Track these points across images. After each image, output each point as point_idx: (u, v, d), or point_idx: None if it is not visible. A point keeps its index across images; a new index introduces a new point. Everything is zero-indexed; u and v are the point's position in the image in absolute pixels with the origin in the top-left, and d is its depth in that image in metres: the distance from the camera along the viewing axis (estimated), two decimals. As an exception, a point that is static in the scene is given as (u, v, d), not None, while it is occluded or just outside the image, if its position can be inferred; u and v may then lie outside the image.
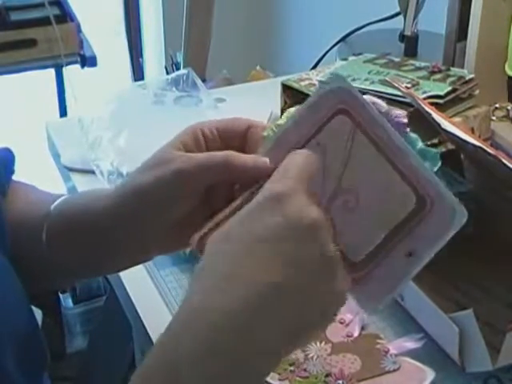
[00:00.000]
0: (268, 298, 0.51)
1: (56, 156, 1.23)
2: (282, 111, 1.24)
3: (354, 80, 1.16)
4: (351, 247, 0.57)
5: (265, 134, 0.63)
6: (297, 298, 0.52)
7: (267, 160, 0.60)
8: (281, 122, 0.63)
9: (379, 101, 0.64)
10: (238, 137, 0.65)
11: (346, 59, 1.27)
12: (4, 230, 0.69)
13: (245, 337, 0.51)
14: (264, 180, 0.59)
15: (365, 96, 0.60)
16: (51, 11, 1.97)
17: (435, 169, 0.66)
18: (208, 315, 0.51)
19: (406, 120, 0.65)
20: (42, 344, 0.68)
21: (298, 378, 0.81)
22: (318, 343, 0.85)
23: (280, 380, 0.81)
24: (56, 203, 0.69)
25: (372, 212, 0.57)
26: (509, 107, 1.22)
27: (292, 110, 0.62)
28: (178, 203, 0.62)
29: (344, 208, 0.58)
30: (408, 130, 0.65)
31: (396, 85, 1.00)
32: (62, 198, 0.70)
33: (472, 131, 1.10)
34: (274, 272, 0.51)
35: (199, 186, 0.62)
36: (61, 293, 1.98)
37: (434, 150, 0.69)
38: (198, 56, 1.64)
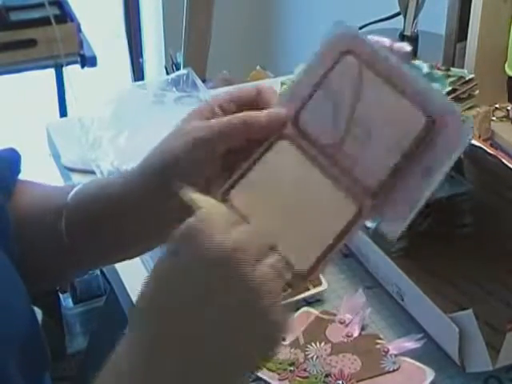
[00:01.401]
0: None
1: (56, 156, 1.23)
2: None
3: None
4: (367, 174, 0.59)
5: (280, 92, 0.66)
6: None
7: (281, 109, 0.63)
8: (293, 78, 0.66)
9: (381, 38, 0.67)
10: (251, 102, 0.65)
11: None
12: (8, 231, 0.69)
13: None
14: (280, 131, 0.62)
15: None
16: (51, 11, 1.97)
17: (445, 90, 0.67)
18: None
19: (409, 49, 0.67)
20: (43, 344, 0.68)
21: (297, 378, 0.81)
22: (317, 343, 0.85)
23: (280, 380, 0.81)
24: (73, 192, 0.69)
25: (384, 140, 0.59)
26: (509, 107, 1.22)
27: (302, 65, 0.65)
28: (201, 169, 0.63)
29: (357, 142, 0.60)
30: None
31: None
32: (79, 186, 0.70)
33: (472, 131, 1.10)
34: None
35: (219, 151, 0.62)
36: (61, 293, 1.98)
37: (440, 72, 0.70)
38: (197, 56, 1.64)
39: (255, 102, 0.65)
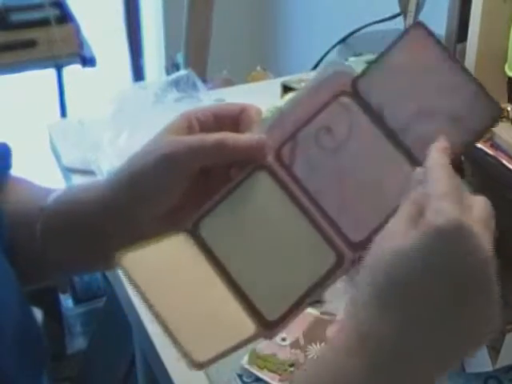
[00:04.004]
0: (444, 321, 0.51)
1: (57, 157, 1.23)
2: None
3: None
4: (351, 226, 0.57)
5: (264, 115, 0.64)
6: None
7: (263, 137, 0.60)
8: (279, 104, 0.63)
9: None
10: (231, 120, 0.63)
11: (346, 60, 1.27)
12: (2, 227, 0.69)
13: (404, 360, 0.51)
14: (259, 160, 0.59)
15: None
16: (51, 12, 1.97)
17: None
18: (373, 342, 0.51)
19: None
20: (40, 340, 0.68)
21: (298, 379, 0.81)
22: (318, 344, 0.85)
23: (280, 381, 0.81)
24: (51, 198, 0.68)
25: (373, 196, 0.57)
26: (509, 108, 1.22)
27: (291, 94, 0.63)
28: (169, 188, 0.61)
29: (345, 192, 0.58)
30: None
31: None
32: (57, 192, 0.69)
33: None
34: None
35: (191, 169, 0.60)
36: (61, 293, 1.98)
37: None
38: (198, 57, 1.64)
39: (237, 121, 0.63)
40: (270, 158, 0.60)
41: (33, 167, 1.78)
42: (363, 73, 0.60)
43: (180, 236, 0.59)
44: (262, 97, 1.34)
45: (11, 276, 0.66)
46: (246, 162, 0.60)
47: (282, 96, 1.23)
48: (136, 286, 0.54)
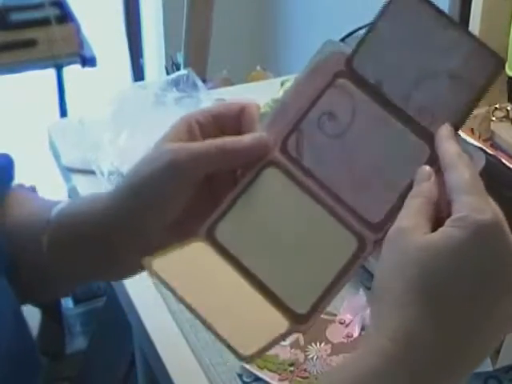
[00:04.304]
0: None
1: (57, 156, 1.23)
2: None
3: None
4: (368, 208, 0.56)
5: (262, 110, 0.63)
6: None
7: (265, 135, 0.59)
8: (277, 97, 0.62)
9: None
10: (232, 120, 0.62)
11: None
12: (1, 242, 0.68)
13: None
14: (265, 158, 0.58)
15: None
16: (51, 11, 1.97)
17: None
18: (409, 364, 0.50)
19: None
20: (33, 352, 0.67)
21: (298, 379, 0.81)
22: (318, 344, 0.85)
23: (280, 380, 0.81)
24: (56, 210, 0.67)
25: (386, 174, 0.56)
26: (509, 107, 1.22)
27: (288, 84, 0.62)
28: (175, 196, 0.60)
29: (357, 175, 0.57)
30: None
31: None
32: (62, 203, 0.68)
33: (472, 131, 1.10)
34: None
35: (195, 177, 0.60)
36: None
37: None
38: (198, 56, 1.63)
39: (237, 120, 0.62)
40: (277, 153, 0.59)
41: (33, 167, 1.78)
42: (356, 50, 0.59)
43: (197, 243, 0.58)
44: (261, 96, 1.34)
45: (8, 292, 0.65)
46: (252, 163, 0.59)
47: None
48: (172, 290, 0.54)
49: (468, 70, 0.55)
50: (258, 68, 1.65)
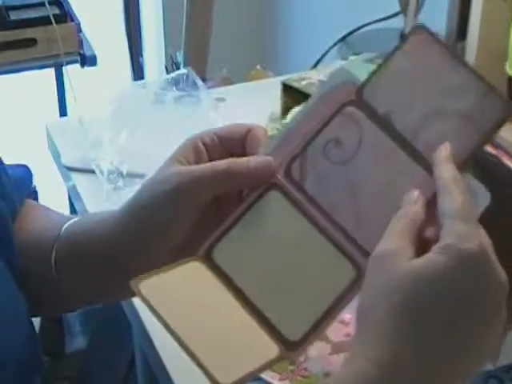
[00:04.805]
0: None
1: (56, 156, 1.23)
2: (282, 111, 1.24)
3: (354, 79, 1.15)
4: (368, 239, 0.56)
5: (270, 133, 0.63)
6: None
7: (270, 159, 0.59)
8: (286, 121, 0.62)
9: None
10: (238, 141, 0.63)
11: (346, 59, 1.27)
12: (11, 245, 0.68)
13: None
14: (270, 180, 0.58)
15: None
16: (51, 11, 1.96)
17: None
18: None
19: None
20: (38, 356, 0.67)
21: (298, 378, 0.81)
22: (318, 343, 0.85)
23: (280, 380, 0.81)
24: (65, 226, 0.68)
25: (387, 204, 0.56)
26: (509, 107, 1.22)
27: (297, 109, 0.62)
28: (179, 219, 0.60)
29: (359, 205, 0.57)
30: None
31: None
32: (72, 220, 0.69)
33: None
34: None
35: (200, 200, 0.60)
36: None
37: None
38: (197, 55, 1.64)
39: (243, 141, 0.62)
40: (280, 176, 0.59)
41: (32, 166, 1.78)
42: (367, 81, 0.59)
43: (193, 263, 0.58)
44: (261, 95, 1.34)
45: (14, 291, 0.65)
46: (256, 185, 0.59)
47: (282, 95, 1.23)
48: (156, 313, 0.53)
49: (477, 112, 0.56)
50: (258, 67, 1.65)
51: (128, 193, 1.05)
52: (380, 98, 0.58)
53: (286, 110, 1.24)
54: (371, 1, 1.83)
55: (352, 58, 1.27)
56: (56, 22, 1.96)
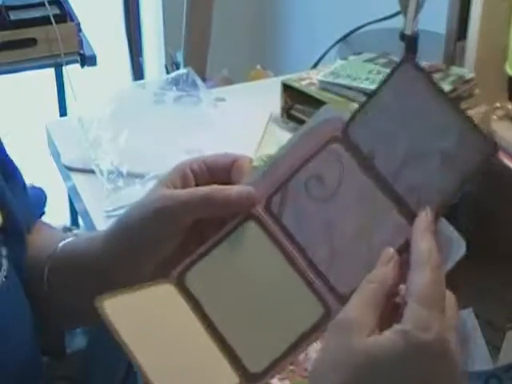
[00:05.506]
0: None
1: (56, 155, 1.23)
2: (283, 111, 1.24)
3: (354, 79, 1.15)
4: (340, 279, 0.56)
5: (255, 163, 0.63)
6: None
7: (251, 189, 0.60)
8: (271, 153, 0.62)
9: None
10: (224, 170, 0.64)
11: (346, 58, 1.27)
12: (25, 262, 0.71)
13: None
14: (249, 210, 0.59)
15: None
16: (51, 11, 1.96)
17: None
18: None
19: None
20: (39, 369, 0.69)
21: (298, 378, 0.81)
22: (318, 343, 0.85)
23: (281, 379, 0.81)
24: (60, 245, 0.70)
25: (363, 248, 0.56)
26: (509, 106, 1.22)
27: (283, 142, 0.62)
28: (164, 240, 0.62)
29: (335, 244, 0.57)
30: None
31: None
32: (68, 239, 0.71)
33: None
34: None
35: (183, 222, 0.62)
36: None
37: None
38: (197, 55, 1.63)
39: (229, 171, 0.64)
40: (260, 208, 0.60)
41: (32, 166, 1.78)
42: (353, 116, 0.59)
43: (165, 285, 0.58)
44: (261, 96, 1.34)
45: (21, 306, 0.68)
46: (236, 213, 0.60)
47: (282, 95, 1.23)
48: (117, 333, 0.53)
49: (460, 152, 0.55)
50: (258, 67, 1.65)
51: (128, 193, 1.05)
52: (365, 135, 0.58)
53: (285, 110, 1.24)
54: (371, 1, 1.83)
55: (352, 57, 1.27)
56: (56, 22, 1.96)
